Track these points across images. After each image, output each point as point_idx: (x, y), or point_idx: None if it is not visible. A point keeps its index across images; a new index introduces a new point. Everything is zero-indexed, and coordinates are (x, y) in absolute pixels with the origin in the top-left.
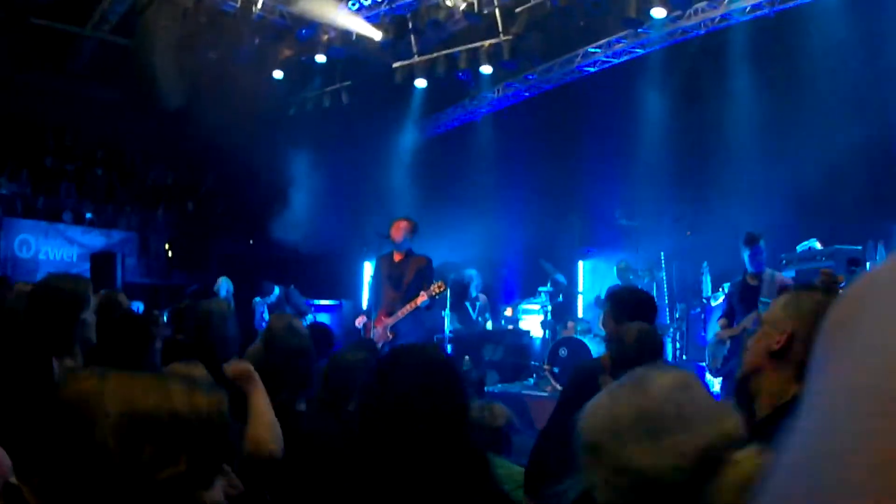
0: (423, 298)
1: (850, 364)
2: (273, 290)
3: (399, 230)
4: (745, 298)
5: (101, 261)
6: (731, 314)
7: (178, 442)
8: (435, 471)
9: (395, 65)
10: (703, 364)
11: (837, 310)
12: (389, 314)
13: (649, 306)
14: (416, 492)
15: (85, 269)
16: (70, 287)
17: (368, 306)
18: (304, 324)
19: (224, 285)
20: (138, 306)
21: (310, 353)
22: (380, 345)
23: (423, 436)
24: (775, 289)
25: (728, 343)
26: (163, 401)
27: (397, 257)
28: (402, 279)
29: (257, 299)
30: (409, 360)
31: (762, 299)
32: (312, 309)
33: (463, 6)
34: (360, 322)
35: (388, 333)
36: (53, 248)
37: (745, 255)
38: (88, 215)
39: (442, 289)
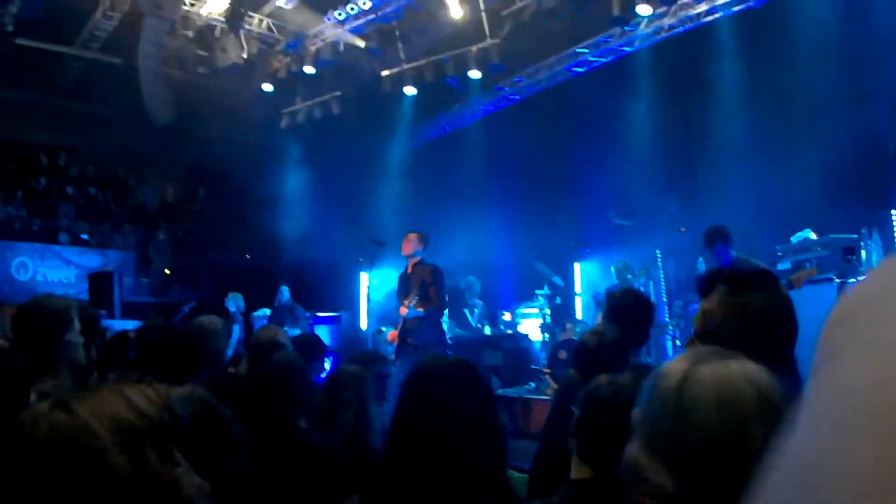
0: (405, 309)
1: (850, 363)
2: (285, 294)
3: (407, 244)
4: None
5: (99, 280)
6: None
7: (167, 440)
8: (463, 479)
9: (384, 73)
10: None
11: (839, 309)
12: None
13: (644, 308)
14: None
15: (83, 289)
16: (52, 307)
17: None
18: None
19: (233, 302)
20: (136, 326)
21: (297, 366)
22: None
23: (460, 449)
24: None
25: None
26: (131, 407)
27: (409, 269)
28: (408, 290)
29: (256, 313)
30: (440, 373)
31: None
32: (310, 321)
33: (449, 12)
34: (391, 338)
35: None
36: (51, 270)
37: (709, 255)
38: (84, 236)
39: (424, 304)
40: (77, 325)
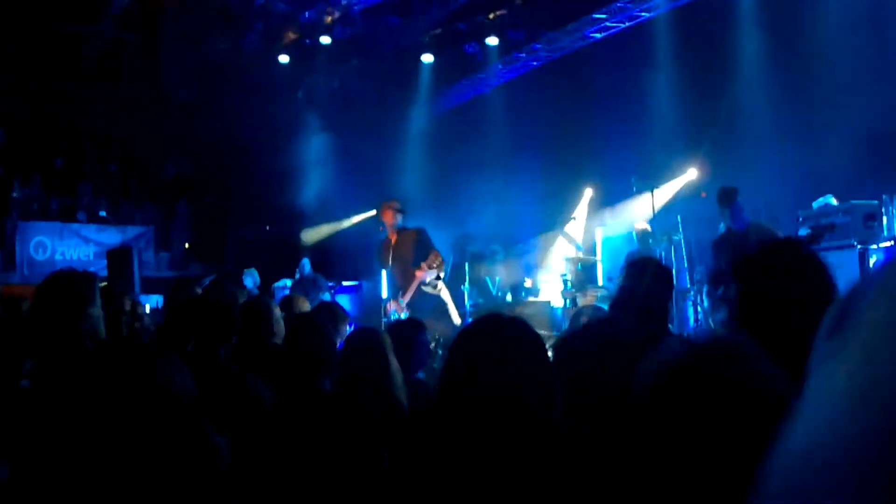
0: (422, 272)
1: (847, 360)
2: (307, 266)
3: (390, 214)
4: (728, 255)
5: (118, 256)
6: (720, 276)
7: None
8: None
9: (402, 41)
10: None
11: (836, 308)
12: (406, 293)
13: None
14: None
15: (102, 266)
16: (74, 282)
17: (389, 293)
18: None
19: (250, 277)
20: (158, 300)
21: (319, 331)
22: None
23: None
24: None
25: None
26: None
27: (393, 238)
28: (403, 256)
29: (277, 284)
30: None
31: None
32: (333, 290)
33: None
34: (390, 308)
35: (406, 310)
36: (69, 248)
37: (726, 213)
38: (103, 213)
39: (438, 259)
40: (98, 299)
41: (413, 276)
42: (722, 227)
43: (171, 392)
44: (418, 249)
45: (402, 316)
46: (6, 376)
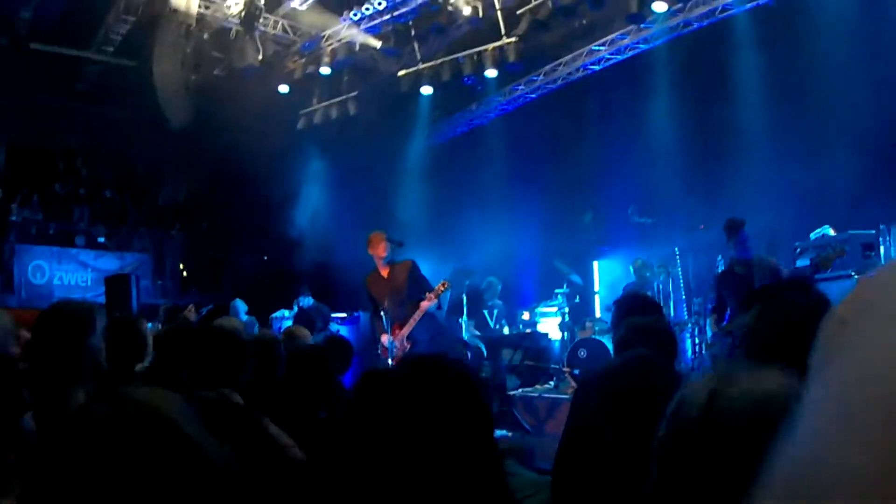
0: (428, 303)
1: (851, 364)
2: (308, 297)
3: (380, 245)
4: (732, 287)
5: (116, 283)
6: (721, 306)
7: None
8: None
9: (401, 73)
10: None
11: (840, 310)
12: (402, 325)
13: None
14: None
15: (100, 292)
16: (75, 312)
17: (376, 327)
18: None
19: (240, 308)
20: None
21: (319, 362)
22: (399, 354)
23: (446, 455)
24: (766, 273)
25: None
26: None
27: (384, 271)
28: (398, 288)
29: (275, 315)
30: (426, 373)
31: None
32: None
33: (465, 11)
34: (385, 340)
35: (406, 343)
36: (67, 273)
37: (731, 242)
38: (101, 239)
39: (446, 286)
40: (100, 329)
41: (412, 309)
42: (720, 259)
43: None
44: (412, 281)
45: (407, 346)
46: (6, 414)
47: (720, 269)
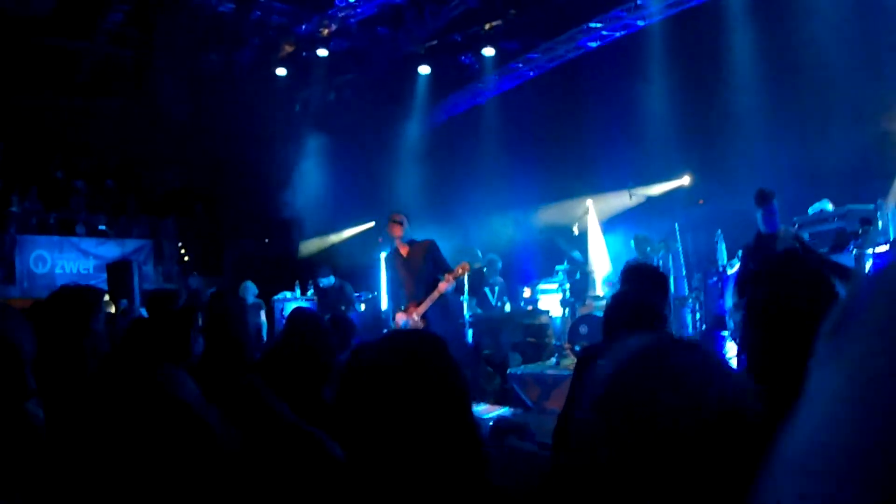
0: (447, 284)
1: (846, 363)
2: (330, 276)
3: (398, 228)
4: (757, 259)
5: (118, 270)
6: (746, 279)
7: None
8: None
9: (398, 54)
10: (724, 333)
11: (836, 310)
12: (418, 304)
13: (662, 281)
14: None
15: (102, 279)
16: (79, 297)
17: (395, 304)
18: (352, 314)
19: (250, 290)
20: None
21: (326, 342)
22: None
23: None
24: (792, 246)
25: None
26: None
27: (404, 250)
28: (416, 268)
29: (276, 297)
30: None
31: None
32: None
33: None
34: (400, 318)
35: (420, 322)
36: (69, 262)
37: (758, 214)
38: (101, 227)
39: (467, 269)
40: (102, 314)
41: (429, 288)
42: (719, 232)
43: (184, 404)
44: (429, 261)
45: (421, 325)
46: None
47: (720, 242)
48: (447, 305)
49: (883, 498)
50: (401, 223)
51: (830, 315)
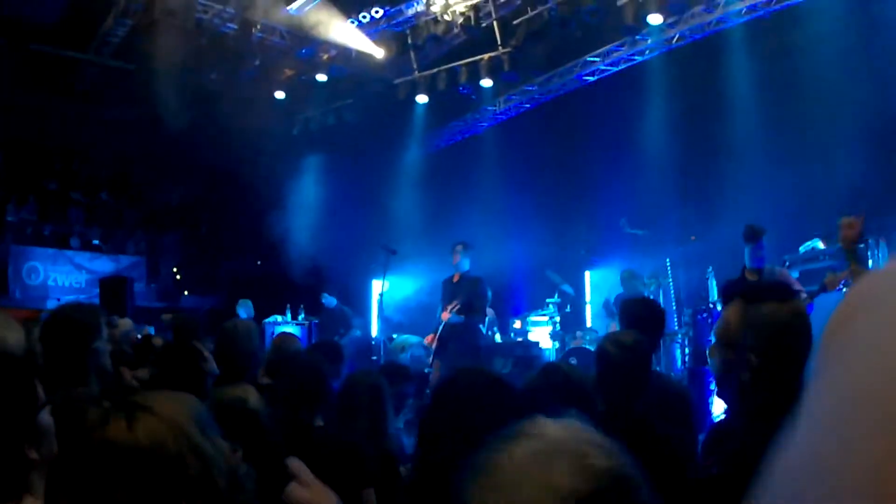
0: (446, 316)
1: (848, 368)
2: (332, 298)
3: (455, 256)
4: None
5: (111, 286)
6: None
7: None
8: None
9: (397, 81)
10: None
11: (837, 314)
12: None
13: (657, 316)
14: None
15: (94, 294)
16: (81, 317)
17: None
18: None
19: (244, 309)
20: (149, 330)
21: (316, 369)
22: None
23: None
24: None
25: None
26: (185, 405)
27: (455, 278)
28: (453, 298)
29: (268, 320)
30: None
31: None
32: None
33: (461, 20)
34: (428, 342)
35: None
36: (62, 275)
37: (746, 250)
38: (96, 241)
39: (455, 307)
40: (105, 332)
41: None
42: (710, 269)
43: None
44: (467, 295)
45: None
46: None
47: (710, 279)
48: (476, 333)
49: None
50: (457, 252)
51: (826, 328)
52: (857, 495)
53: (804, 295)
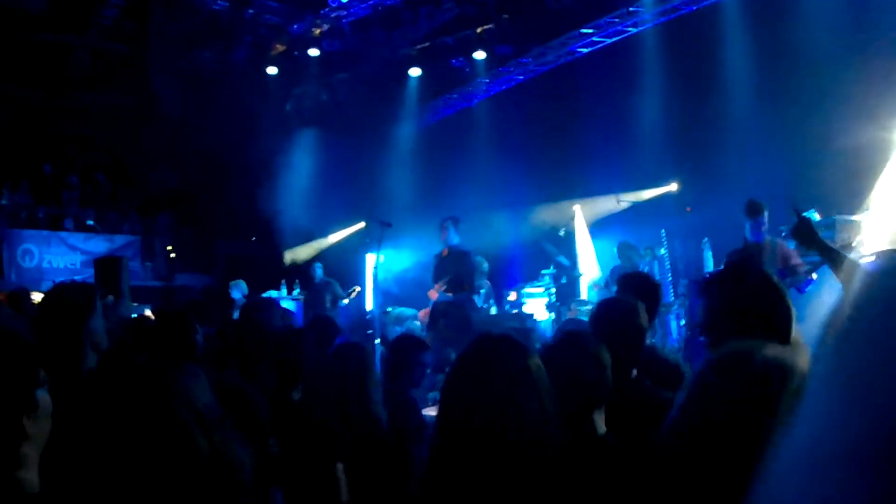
0: (434, 295)
1: (849, 360)
2: (319, 272)
3: (443, 230)
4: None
5: (106, 265)
6: None
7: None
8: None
9: (390, 55)
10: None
11: (837, 310)
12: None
13: (654, 290)
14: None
15: (89, 274)
16: (76, 295)
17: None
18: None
19: (237, 289)
20: (144, 310)
21: (291, 343)
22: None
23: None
24: (777, 258)
25: None
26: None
27: (445, 253)
28: (443, 272)
29: (264, 295)
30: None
31: None
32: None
33: None
34: (421, 317)
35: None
36: (56, 256)
37: (748, 224)
38: (90, 222)
39: (442, 287)
40: (100, 310)
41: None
42: (706, 239)
43: (193, 406)
44: (456, 270)
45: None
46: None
47: (706, 250)
48: (456, 309)
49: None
50: (444, 227)
51: (829, 318)
52: (858, 487)
53: (805, 267)
